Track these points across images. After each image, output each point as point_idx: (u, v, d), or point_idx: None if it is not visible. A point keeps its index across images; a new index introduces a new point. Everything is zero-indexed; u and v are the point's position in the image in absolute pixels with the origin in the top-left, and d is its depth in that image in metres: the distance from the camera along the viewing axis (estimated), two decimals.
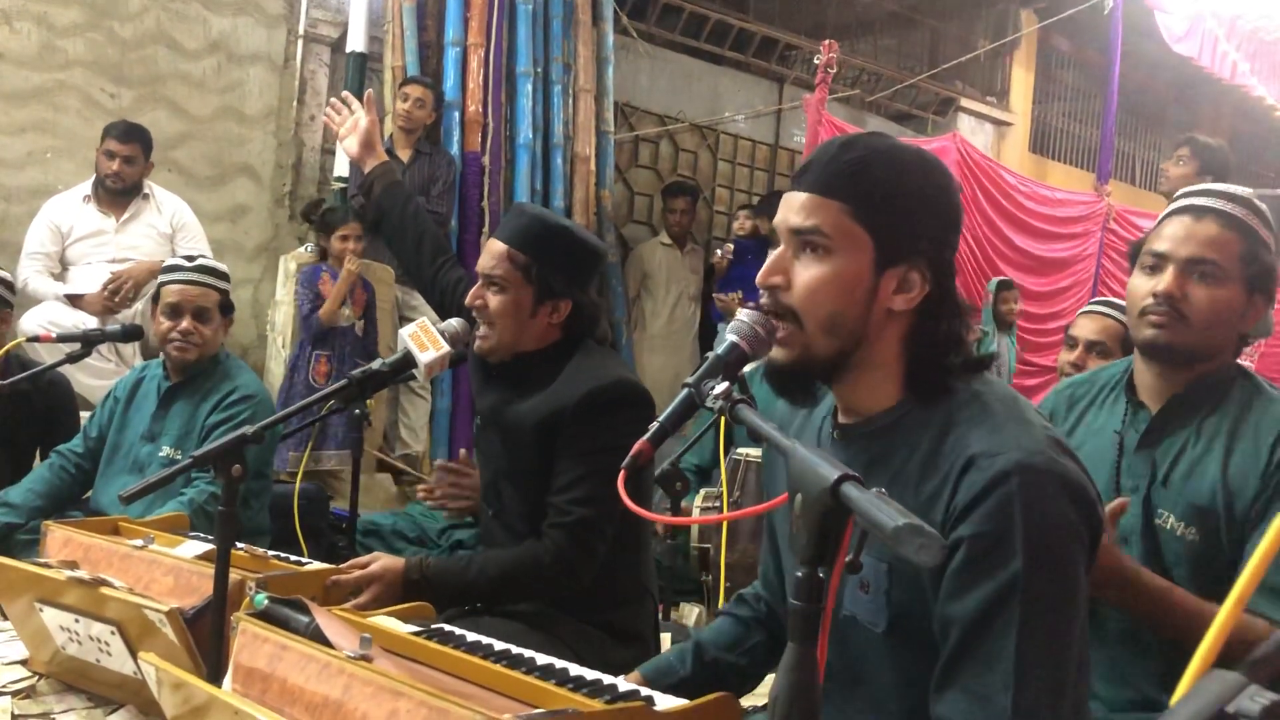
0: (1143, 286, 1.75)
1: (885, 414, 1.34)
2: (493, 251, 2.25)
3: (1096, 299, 3.30)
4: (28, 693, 2.08)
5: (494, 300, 2.22)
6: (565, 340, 2.27)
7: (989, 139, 8.57)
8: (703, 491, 3.44)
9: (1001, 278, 6.71)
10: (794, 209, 1.32)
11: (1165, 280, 1.71)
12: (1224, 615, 0.62)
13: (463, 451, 2.60)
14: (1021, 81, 8.97)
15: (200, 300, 2.92)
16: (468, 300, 2.26)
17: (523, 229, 2.26)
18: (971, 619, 1.18)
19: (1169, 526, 1.68)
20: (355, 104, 2.75)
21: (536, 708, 1.30)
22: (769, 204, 6.23)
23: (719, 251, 6.16)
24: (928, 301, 1.31)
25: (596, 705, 1.31)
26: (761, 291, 1.34)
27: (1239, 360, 1.80)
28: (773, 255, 1.34)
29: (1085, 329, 2.98)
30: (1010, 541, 1.16)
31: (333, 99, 2.80)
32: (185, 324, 2.89)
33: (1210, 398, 1.72)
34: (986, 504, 1.18)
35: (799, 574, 0.98)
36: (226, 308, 3.00)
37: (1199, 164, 4.27)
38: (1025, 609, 1.16)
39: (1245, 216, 1.72)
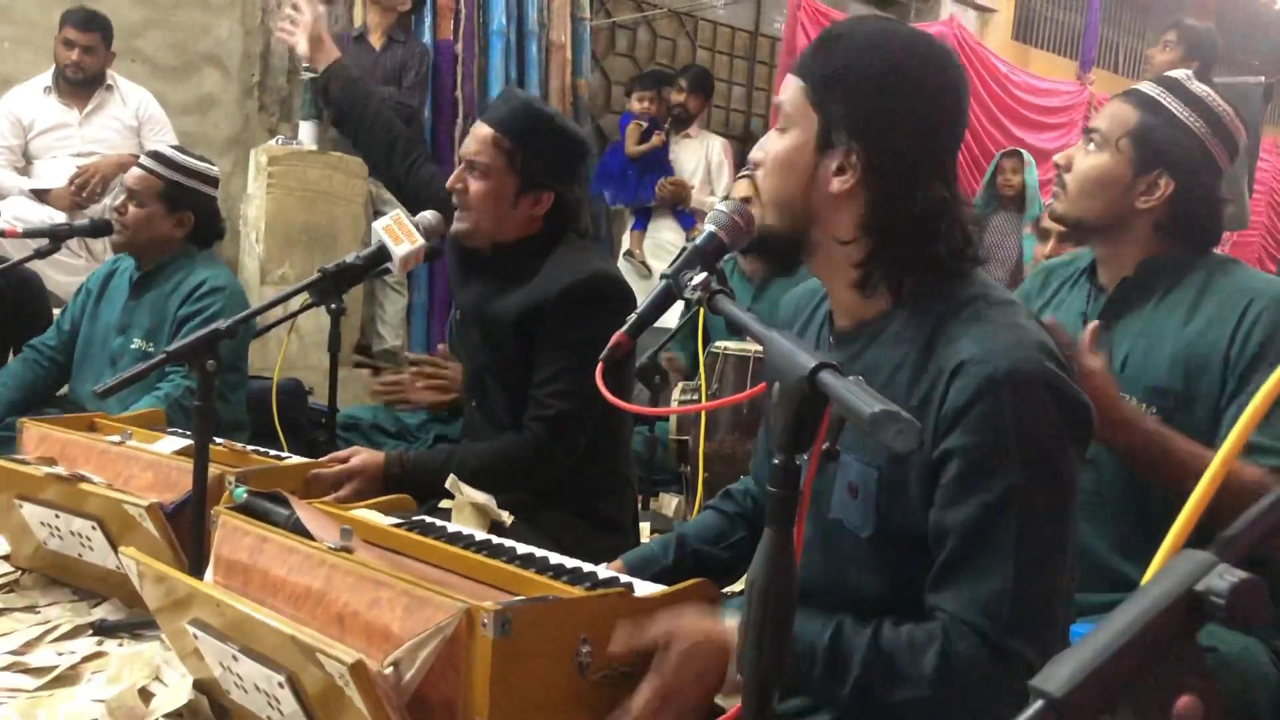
0: None
1: (877, 318, 1.33)
2: (478, 135, 2.21)
3: None
4: (11, 587, 2.10)
5: (475, 185, 2.19)
6: (546, 233, 2.24)
7: (972, 25, 8.40)
8: (680, 384, 3.45)
9: (1008, 148, 6.18)
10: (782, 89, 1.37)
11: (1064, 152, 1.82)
12: (1201, 491, 0.62)
13: (441, 346, 2.60)
14: None
15: (135, 183, 2.89)
16: (449, 183, 2.22)
17: (510, 114, 2.21)
18: (968, 528, 1.19)
19: None
20: (303, 2, 2.66)
21: (517, 595, 1.31)
22: (695, 80, 5.73)
23: (655, 133, 5.55)
24: (880, 192, 1.28)
25: (576, 592, 1.33)
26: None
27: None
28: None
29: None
30: (1005, 451, 1.17)
31: (288, 10, 2.71)
32: (119, 203, 2.88)
33: (1163, 279, 1.74)
34: (976, 411, 1.18)
35: (776, 461, 0.99)
36: (176, 201, 2.90)
37: (1185, 48, 4.19)
38: (1022, 518, 1.17)
39: (1158, 95, 1.74)
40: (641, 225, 5.65)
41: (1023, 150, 6.00)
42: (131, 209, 2.87)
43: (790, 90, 1.34)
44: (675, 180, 5.51)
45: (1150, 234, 1.74)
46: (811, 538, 1.34)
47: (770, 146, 1.35)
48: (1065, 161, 1.79)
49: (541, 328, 2.15)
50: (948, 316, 1.27)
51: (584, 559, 1.52)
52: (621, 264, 5.49)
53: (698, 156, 5.65)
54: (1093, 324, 1.69)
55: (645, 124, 5.57)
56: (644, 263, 5.51)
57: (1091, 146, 1.76)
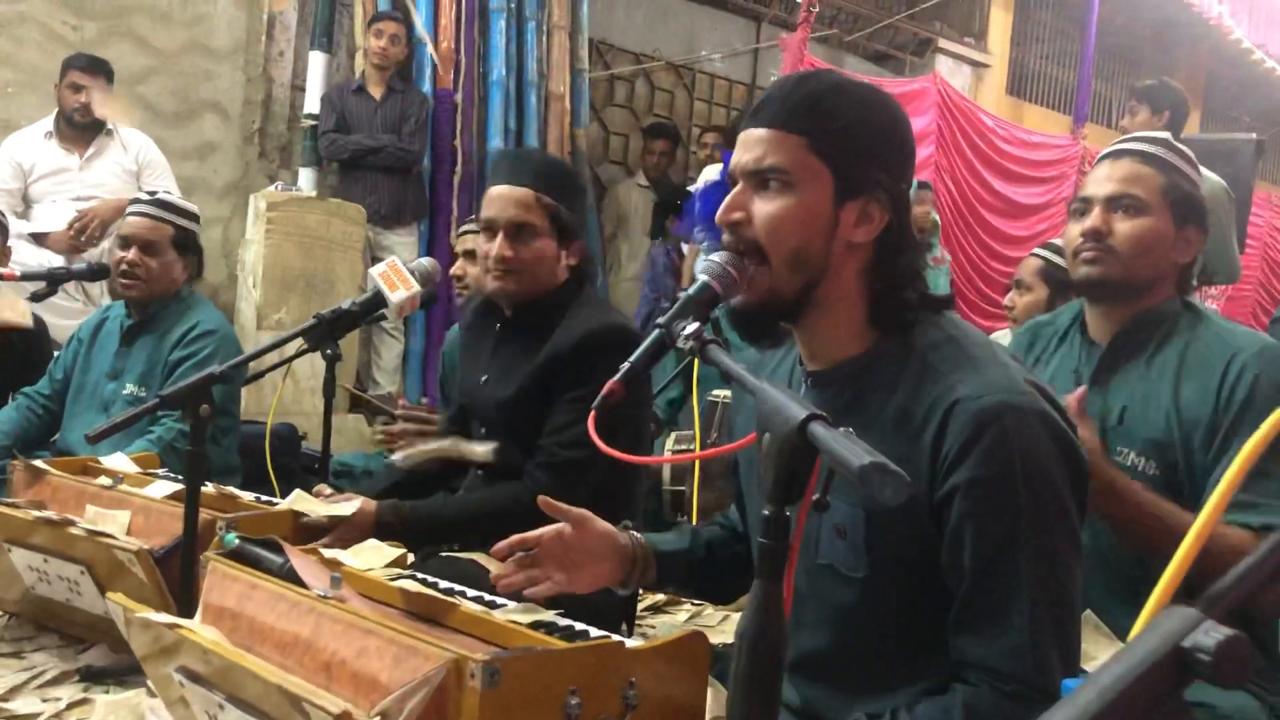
0: (1074, 230, 1.83)
1: (856, 359, 1.33)
2: (518, 200, 2.16)
3: (1041, 244, 3.53)
4: None
5: (527, 251, 2.16)
6: (571, 282, 2.24)
7: (966, 81, 8.52)
8: (673, 435, 3.44)
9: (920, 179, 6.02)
10: (753, 145, 1.32)
11: (1091, 218, 1.79)
12: (1186, 547, 0.63)
13: (424, 400, 2.58)
14: (1000, 22, 8.89)
15: (149, 233, 2.87)
16: (497, 253, 2.15)
17: (544, 173, 2.20)
18: (981, 564, 1.20)
19: (1129, 463, 1.70)
20: None
21: (507, 648, 1.30)
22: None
23: None
24: (886, 234, 1.31)
25: (565, 644, 1.32)
26: (723, 230, 1.33)
27: (1193, 298, 1.84)
28: (731, 193, 1.33)
29: (1020, 270, 3.31)
30: (1011, 482, 1.18)
31: None
32: (131, 255, 2.85)
33: (1156, 331, 1.76)
34: (979, 448, 1.19)
35: (765, 513, 0.99)
36: (186, 246, 2.94)
37: (1148, 107, 4.33)
38: (1033, 549, 1.19)
39: (1162, 153, 1.79)
40: None
41: (928, 183, 5.96)
42: (148, 261, 2.86)
43: (786, 147, 1.29)
44: None
45: (1169, 284, 1.79)
46: (802, 587, 1.33)
47: (769, 206, 1.30)
48: (1105, 227, 1.78)
49: (557, 380, 2.14)
50: (929, 354, 1.28)
51: (585, 617, 1.50)
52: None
53: None
54: (1080, 389, 1.69)
55: None
56: None
57: (1126, 211, 1.77)
